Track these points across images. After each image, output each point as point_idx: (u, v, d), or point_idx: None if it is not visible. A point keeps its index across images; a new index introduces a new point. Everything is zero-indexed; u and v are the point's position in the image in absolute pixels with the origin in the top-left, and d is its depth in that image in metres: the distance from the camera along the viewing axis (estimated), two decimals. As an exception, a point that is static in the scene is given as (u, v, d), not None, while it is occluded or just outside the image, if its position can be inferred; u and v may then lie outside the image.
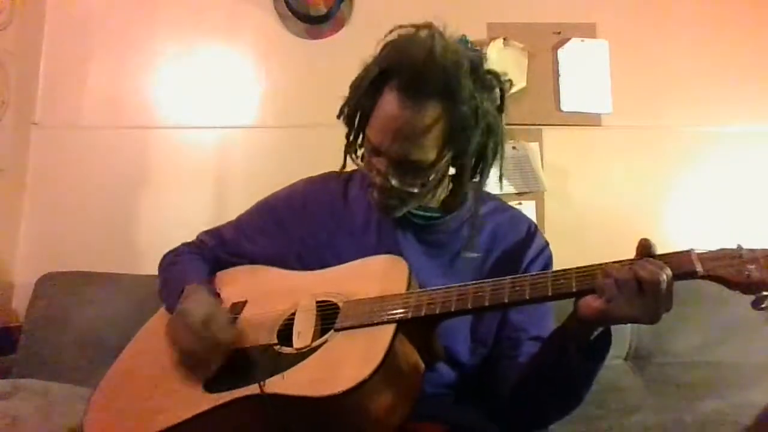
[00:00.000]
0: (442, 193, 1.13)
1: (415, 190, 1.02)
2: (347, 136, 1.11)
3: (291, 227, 1.18)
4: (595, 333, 0.90)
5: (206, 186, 2.13)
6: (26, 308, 1.93)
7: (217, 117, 2.16)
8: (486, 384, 1.09)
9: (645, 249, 0.84)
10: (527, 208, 1.99)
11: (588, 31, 2.10)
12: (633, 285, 0.80)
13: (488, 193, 1.19)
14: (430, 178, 1.03)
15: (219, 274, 1.20)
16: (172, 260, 1.24)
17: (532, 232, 1.14)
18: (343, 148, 1.12)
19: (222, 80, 2.18)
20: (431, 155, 1.00)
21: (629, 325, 1.63)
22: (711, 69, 2.06)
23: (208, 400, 0.91)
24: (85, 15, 2.21)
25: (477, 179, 1.09)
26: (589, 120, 2.07)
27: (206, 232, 1.29)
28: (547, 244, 1.15)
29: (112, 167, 2.15)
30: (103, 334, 1.76)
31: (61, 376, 1.71)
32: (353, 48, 2.07)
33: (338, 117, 1.10)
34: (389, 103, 0.99)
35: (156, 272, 1.24)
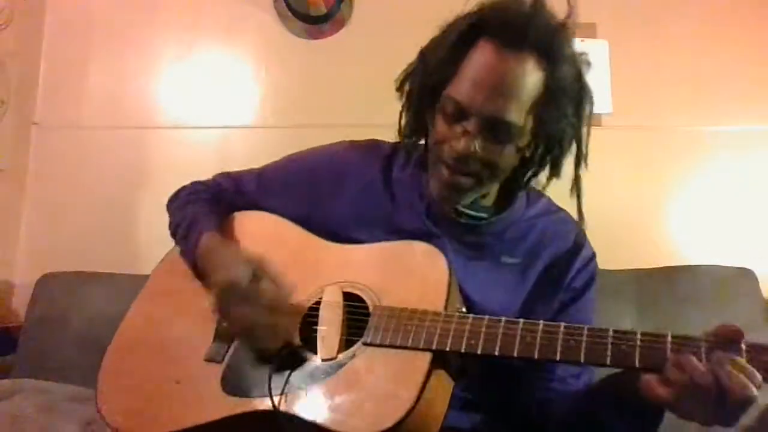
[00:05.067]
0: (494, 192, 1.05)
1: (497, 161, 0.92)
2: (405, 111, 1.02)
3: (322, 193, 1.09)
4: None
5: (206, 186, 2.13)
6: (26, 308, 1.93)
7: (217, 117, 2.16)
8: (505, 393, 1.02)
9: (733, 338, 0.70)
10: (527, 208, 1.98)
11: (588, 31, 2.10)
12: (713, 394, 0.66)
13: (537, 191, 1.10)
14: (507, 154, 0.93)
15: (236, 218, 1.13)
16: (186, 199, 1.17)
17: (579, 240, 1.06)
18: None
19: (222, 80, 2.18)
20: (522, 118, 0.90)
21: (627, 318, 1.63)
22: (711, 69, 2.05)
23: (224, 406, 0.88)
24: (85, 15, 2.21)
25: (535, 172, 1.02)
26: (589, 120, 2.07)
27: (224, 175, 1.21)
28: (594, 255, 1.06)
29: (112, 167, 2.15)
30: (103, 334, 1.72)
31: (61, 376, 1.71)
32: (353, 48, 2.10)
33: (397, 89, 1.02)
34: (485, 55, 0.89)
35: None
